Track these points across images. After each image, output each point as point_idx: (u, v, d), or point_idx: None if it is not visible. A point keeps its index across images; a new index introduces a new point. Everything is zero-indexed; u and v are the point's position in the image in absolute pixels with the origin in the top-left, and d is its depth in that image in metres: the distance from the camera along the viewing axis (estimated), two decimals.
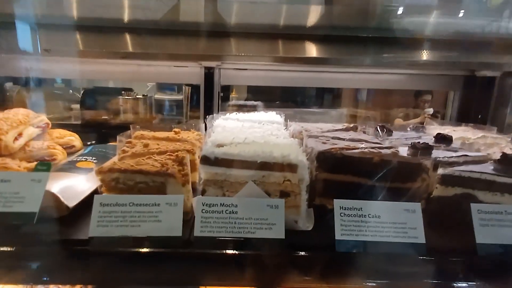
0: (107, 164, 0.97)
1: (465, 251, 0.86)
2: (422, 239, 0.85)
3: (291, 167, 0.89)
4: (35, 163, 1.27)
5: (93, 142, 2.02)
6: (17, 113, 1.34)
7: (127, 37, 1.76)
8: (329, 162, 0.95)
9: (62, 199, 0.90)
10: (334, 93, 3.85)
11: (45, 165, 0.88)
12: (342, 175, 0.96)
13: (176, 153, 1.04)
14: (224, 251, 0.83)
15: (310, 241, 0.88)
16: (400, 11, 1.80)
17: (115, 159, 1.27)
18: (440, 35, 1.80)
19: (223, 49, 1.82)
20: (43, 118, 1.50)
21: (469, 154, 1.09)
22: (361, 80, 2.25)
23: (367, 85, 2.55)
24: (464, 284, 0.85)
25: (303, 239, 0.88)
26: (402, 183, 0.94)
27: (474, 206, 0.87)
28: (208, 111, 2.02)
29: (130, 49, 1.73)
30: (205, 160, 0.92)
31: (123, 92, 3.59)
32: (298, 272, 0.86)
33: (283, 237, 0.84)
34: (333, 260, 0.84)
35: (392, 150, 1.01)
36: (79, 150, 1.58)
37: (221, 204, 0.86)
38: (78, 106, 3.42)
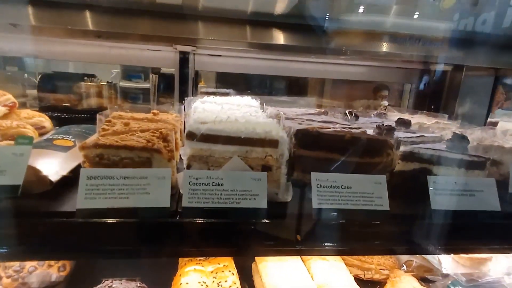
0: (91, 139, 0.97)
1: (422, 215, 0.99)
2: (386, 207, 0.96)
3: (273, 143, 0.96)
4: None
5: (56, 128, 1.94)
6: None
7: (97, 16, 1.70)
8: (306, 139, 1.04)
9: (44, 173, 0.90)
10: (301, 84, 3.99)
11: (26, 138, 0.87)
12: (317, 152, 1.05)
13: (160, 130, 1.07)
14: (211, 220, 0.88)
15: (289, 211, 0.96)
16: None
17: (95, 137, 1.26)
18: (397, 31, 1.96)
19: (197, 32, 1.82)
20: (10, 97, 1.43)
21: (426, 135, 1.23)
22: (328, 70, 2.40)
23: (334, 76, 2.70)
24: (420, 243, 0.98)
25: (283, 209, 0.96)
26: (370, 158, 1.05)
27: (430, 178, 1.00)
28: (182, 97, 2.03)
29: (103, 28, 1.68)
30: (191, 135, 0.96)
31: (85, 78, 3.42)
32: (278, 238, 0.94)
33: (266, 206, 0.91)
34: (310, 227, 0.93)
35: (361, 129, 1.12)
36: (49, 131, 1.53)
37: (207, 177, 0.91)
38: (34, 91, 3.21)
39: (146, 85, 3.77)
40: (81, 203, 0.84)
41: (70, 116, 2.87)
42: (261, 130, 0.95)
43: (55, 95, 3.17)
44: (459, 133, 1.12)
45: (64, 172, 0.97)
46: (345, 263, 1.51)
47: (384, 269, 1.50)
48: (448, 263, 1.41)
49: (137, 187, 0.88)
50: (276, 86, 4.23)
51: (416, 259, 1.53)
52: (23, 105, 2.99)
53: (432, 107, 2.30)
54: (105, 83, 3.46)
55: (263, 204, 0.91)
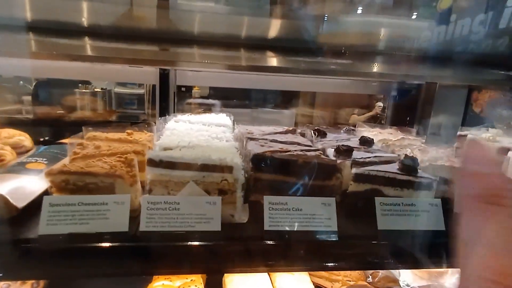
0: (57, 166, 1.03)
1: (370, 236, 1.05)
2: (335, 228, 1.03)
3: (228, 169, 1.02)
4: None
5: (46, 138, 2.01)
6: None
7: (78, 41, 1.77)
8: (261, 163, 1.10)
9: (11, 200, 0.96)
10: (291, 93, 4.05)
11: None
12: (272, 175, 1.11)
13: (126, 155, 1.13)
14: (167, 243, 0.95)
15: (243, 232, 1.02)
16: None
17: (66, 160, 1.32)
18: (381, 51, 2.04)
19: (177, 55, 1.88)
20: None
21: (382, 155, 1.29)
22: (310, 83, 2.47)
23: (315, 88, 2.78)
24: (367, 260, 1.04)
25: (238, 231, 1.03)
26: (321, 180, 1.11)
27: (377, 199, 1.07)
28: (164, 110, 2.09)
29: (88, 52, 1.74)
30: (151, 162, 1.03)
31: (80, 85, 3.47)
32: (232, 259, 1.00)
33: (219, 229, 0.97)
34: (262, 248, 1.00)
35: (316, 152, 1.18)
36: (29, 150, 1.60)
37: (164, 202, 0.98)
38: (29, 98, 3.27)
39: (141, 91, 3.85)
40: (43, 229, 0.90)
41: (65, 122, 2.94)
42: (216, 157, 1.02)
43: (50, 101, 3.24)
44: (409, 155, 1.19)
45: (32, 197, 1.04)
46: (313, 275, 1.57)
47: (350, 280, 1.56)
48: (407, 276, 1.48)
49: (97, 212, 0.94)
50: (265, 93, 4.28)
51: (381, 271, 1.59)
52: (18, 112, 3.07)
53: (408, 118, 2.37)
54: (100, 90, 3.53)
55: (216, 227, 0.98)
